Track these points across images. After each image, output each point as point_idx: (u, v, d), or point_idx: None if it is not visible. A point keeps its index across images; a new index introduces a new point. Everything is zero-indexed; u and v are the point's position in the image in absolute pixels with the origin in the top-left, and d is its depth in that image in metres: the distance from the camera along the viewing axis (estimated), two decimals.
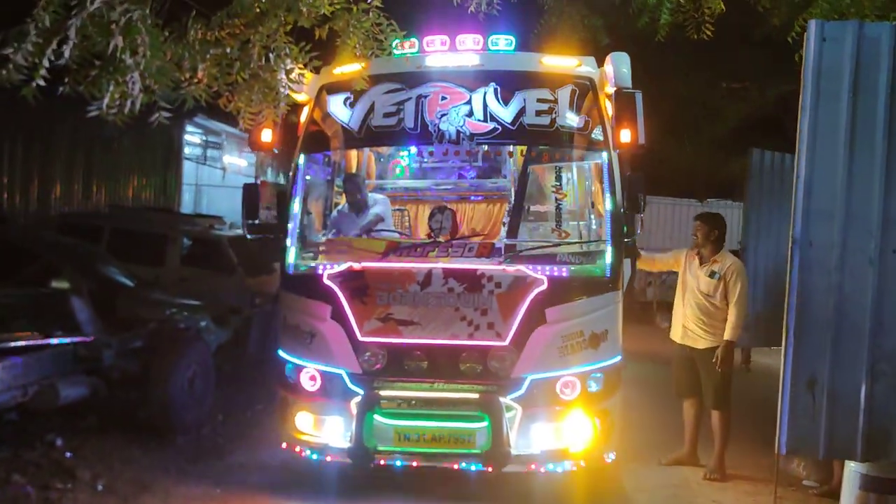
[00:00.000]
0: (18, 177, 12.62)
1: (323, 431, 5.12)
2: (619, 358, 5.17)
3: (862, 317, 4.80)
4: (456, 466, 4.88)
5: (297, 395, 5.20)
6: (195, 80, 4.08)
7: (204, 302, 8.82)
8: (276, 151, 5.47)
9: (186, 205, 15.77)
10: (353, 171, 6.69)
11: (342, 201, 6.67)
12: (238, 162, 16.58)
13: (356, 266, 5.03)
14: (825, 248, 4.83)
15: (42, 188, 13.01)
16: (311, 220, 6.25)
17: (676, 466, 6.08)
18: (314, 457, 5.07)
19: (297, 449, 5.17)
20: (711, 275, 5.92)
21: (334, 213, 6.43)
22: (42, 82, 3.02)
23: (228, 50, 4.12)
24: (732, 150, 15.68)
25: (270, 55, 4.19)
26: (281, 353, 5.32)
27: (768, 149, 11.47)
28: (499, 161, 7.34)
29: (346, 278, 5.01)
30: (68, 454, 5.59)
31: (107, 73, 3.16)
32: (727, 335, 5.82)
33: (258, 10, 4.10)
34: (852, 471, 4.95)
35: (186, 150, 15.07)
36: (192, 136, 15.59)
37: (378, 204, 6.36)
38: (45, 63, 2.97)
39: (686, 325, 6.02)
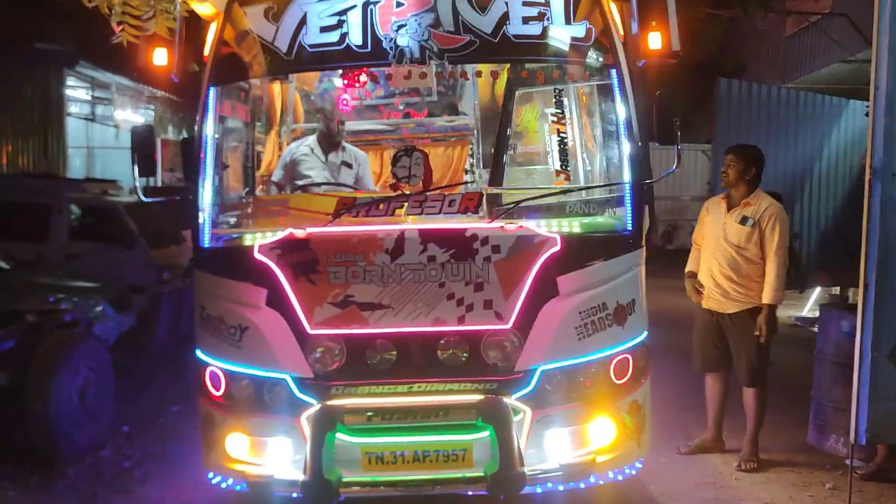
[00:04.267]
0: None
1: (265, 457, 3.78)
2: (646, 334, 4.02)
3: None
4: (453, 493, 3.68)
5: (225, 410, 3.84)
6: None
7: (100, 283, 7.30)
8: (176, 80, 4.00)
9: (77, 170, 13.78)
10: (280, 106, 5.30)
11: (269, 143, 5.31)
12: (134, 119, 14.60)
13: (299, 233, 3.66)
14: None
15: None
16: (229, 174, 4.85)
17: (700, 455, 5.03)
18: (254, 492, 3.75)
19: (230, 482, 3.85)
20: (743, 221, 4.80)
21: (294, 147, 5.06)
22: None
23: None
24: (697, 88, 14.68)
25: None
26: (200, 354, 3.95)
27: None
28: (456, 94, 6.07)
29: (287, 250, 3.64)
30: None
31: None
32: (767, 298, 4.72)
33: None
34: None
35: (71, 107, 13.03)
36: (77, 91, 13.53)
37: (361, 164, 5.10)
38: None
39: (709, 285, 4.91)
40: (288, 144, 5.45)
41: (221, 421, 3.86)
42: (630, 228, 3.92)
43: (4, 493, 4.42)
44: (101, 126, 14.69)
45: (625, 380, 3.85)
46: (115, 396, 5.58)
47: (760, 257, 4.76)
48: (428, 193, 3.87)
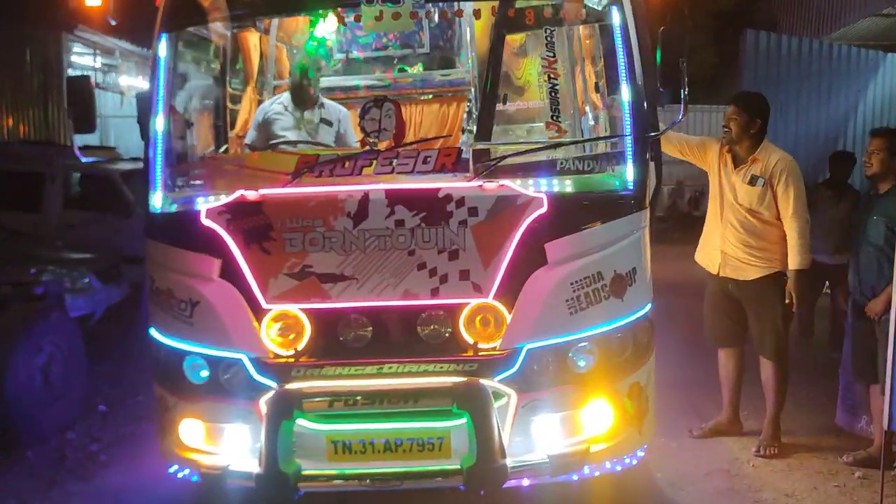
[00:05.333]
0: None
1: (221, 446, 3.41)
2: (649, 307, 3.56)
3: None
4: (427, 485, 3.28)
5: (178, 393, 3.46)
6: None
7: (93, 253, 7.01)
8: (113, 23, 3.58)
9: (88, 139, 13.46)
10: (249, 56, 4.86)
11: (246, 100, 4.90)
12: (140, 85, 14.22)
13: (250, 195, 3.24)
14: None
15: None
16: (195, 133, 4.47)
17: (715, 439, 4.57)
18: (207, 484, 3.38)
19: (186, 472, 3.49)
20: (752, 181, 4.29)
21: (267, 105, 4.64)
22: None
23: None
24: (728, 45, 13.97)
25: None
26: (153, 332, 3.57)
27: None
28: (453, 45, 5.58)
29: (237, 214, 3.23)
30: None
31: None
32: (794, 263, 4.21)
33: None
34: None
35: (72, 74, 12.68)
36: (81, 58, 13.18)
37: (342, 121, 4.65)
38: None
39: (725, 251, 4.41)
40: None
41: (175, 405, 3.49)
42: (631, 187, 3.44)
43: None
44: (111, 94, 14.32)
45: (624, 359, 3.40)
46: (88, 373, 5.25)
47: (778, 217, 4.25)
48: (400, 149, 3.42)
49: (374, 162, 3.35)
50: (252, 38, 4.98)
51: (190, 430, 3.44)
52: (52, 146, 10.25)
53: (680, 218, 18.07)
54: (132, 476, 4.23)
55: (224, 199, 3.27)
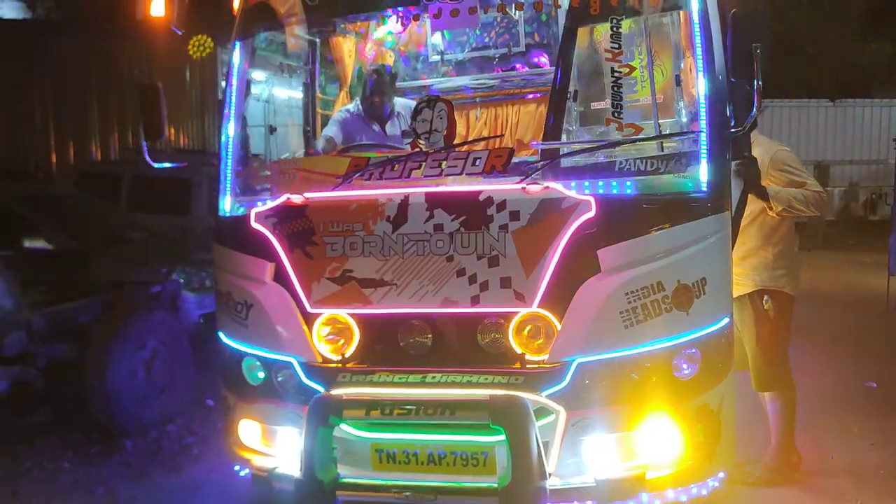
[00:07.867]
0: (53, 132, 11.81)
1: (274, 448, 3.44)
2: (726, 321, 3.21)
3: None
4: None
5: (238, 394, 3.53)
6: None
7: None
8: (178, 32, 3.70)
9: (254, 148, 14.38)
10: (343, 61, 4.92)
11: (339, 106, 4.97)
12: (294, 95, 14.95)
13: (296, 199, 3.23)
14: None
15: (78, 142, 12.09)
16: (280, 139, 4.61)
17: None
18: (257, 485, 3.41)
19: (243, 471, 3.54)
20: None
21: (339, 114, 4.70)
22: None
23: None
24: (874, 31, 12.82)
25: None
26: (221, 335, 3.65)
27: None
28: (549, 43, 5.36)
29: (282, 218, 3.24)
30: None
31: None
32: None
33: None
34: None
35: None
36: None
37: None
38: None
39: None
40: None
41: (234, 405, 3.56)
42: (707, 187, 3.12)
43: (59, 464, 4.42)
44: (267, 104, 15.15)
45: (692, 378, 3.08)
46: (200, 369, 5.50)
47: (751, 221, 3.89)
48: (449, 151, 3.28)
49: (424, 164, 3.24)
50: (347, 44, 5.04)
51: (247, 431, 3.49)
52: (203, 154, 10.97)
53: (852, 222, 16.60)
54: (217, 471, 4.35)
55: (271, 203, 3.30)
